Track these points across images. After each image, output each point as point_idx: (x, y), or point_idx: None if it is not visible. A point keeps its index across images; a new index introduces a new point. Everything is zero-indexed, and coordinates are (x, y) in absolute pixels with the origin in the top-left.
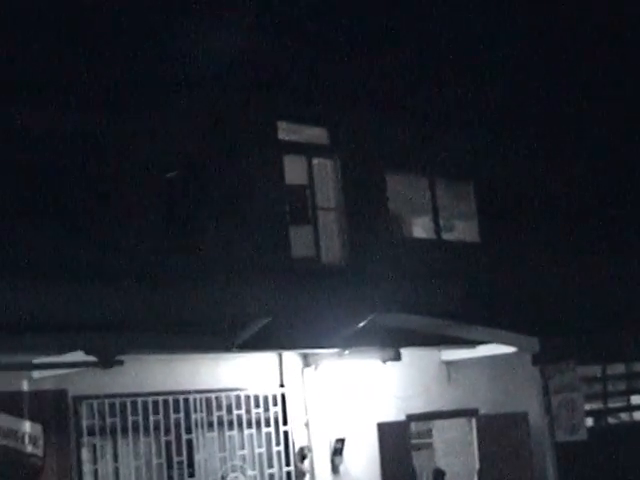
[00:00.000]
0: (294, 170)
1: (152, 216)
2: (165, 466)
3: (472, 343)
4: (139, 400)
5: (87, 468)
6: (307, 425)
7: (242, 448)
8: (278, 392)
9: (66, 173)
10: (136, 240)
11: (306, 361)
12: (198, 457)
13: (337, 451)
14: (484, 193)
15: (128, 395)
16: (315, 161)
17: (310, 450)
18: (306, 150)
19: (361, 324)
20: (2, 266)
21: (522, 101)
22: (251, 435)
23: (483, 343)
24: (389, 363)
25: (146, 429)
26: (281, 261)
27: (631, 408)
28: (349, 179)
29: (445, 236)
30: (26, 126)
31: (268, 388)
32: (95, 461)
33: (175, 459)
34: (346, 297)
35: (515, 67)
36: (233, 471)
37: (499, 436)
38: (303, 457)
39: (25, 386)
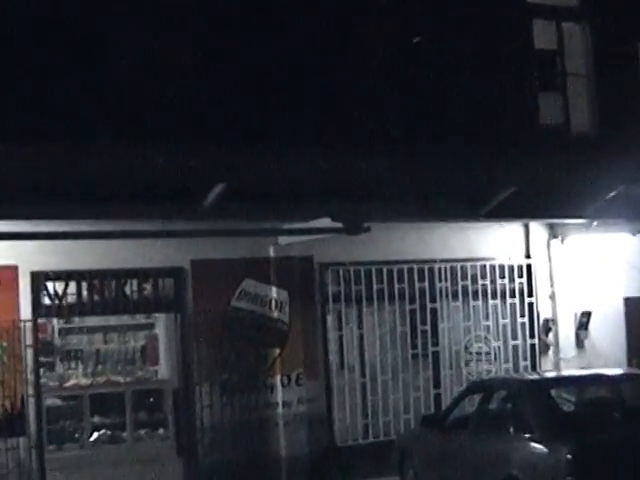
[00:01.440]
0: (543, 35)
1: (395, 82)
2: (409, 334)
3: None
4: (384, 268)
5: (332, 334)
6: (552, 297)
7: (486, 319)
8: (524, 263)
9: (315, 43)
10: (381, 107)
11: (552, 233)
12: (442, 326)
13: (582, 325)
14: None
15: (373, 263)
16: (565, 26)
17: (555, 323)
18: (555, 14)
19: (611, 195)
20: (253, 133)
21: None
22: (495, 306)
23: None
24: (639, 236)
25: (391, 297)
26: (529, 129)
27: None
28: (600, 45)
29: None
30: None
31: (514, 259)
32: (340, 328)
33: (419, 327)
34: (595, 167)
35: None
36: (477, 341)
37: None
38: (548, 330)
39: (272, 252)
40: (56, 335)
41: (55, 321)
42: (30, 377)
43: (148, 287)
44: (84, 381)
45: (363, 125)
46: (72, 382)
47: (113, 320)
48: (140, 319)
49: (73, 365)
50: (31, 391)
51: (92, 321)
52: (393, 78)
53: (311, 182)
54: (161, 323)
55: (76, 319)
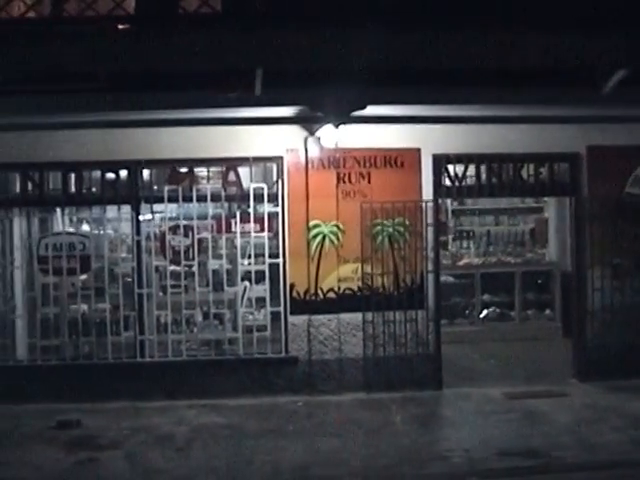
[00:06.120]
0: None
1: None
2: None
3: None
4: None
5: None
6: None
7: None
8: None
9: None
10: None
11: None
12: None
13: None
14: None
15: None
16: None
17: None
18: None
19: None
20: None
21: None
22: None
23: None
24: None
25: None
26: None
27: None
28: None
29: None
30: None
31: None
32: None
33: None
34: None
35: None
36: None
37: None
38: None
39: None
40: (449, 216)
41: (449, 203)
42: (430, 254)
43: (544, 171)
44: (476, 260)
45: None
46: (464, 261)
47: (503, 203)
48: (530, 203)
49: (465, 245)
50: (430, 267)
51: (482, 203)
52: None
53: None
54: (551, 207)
55: (468, 201)
